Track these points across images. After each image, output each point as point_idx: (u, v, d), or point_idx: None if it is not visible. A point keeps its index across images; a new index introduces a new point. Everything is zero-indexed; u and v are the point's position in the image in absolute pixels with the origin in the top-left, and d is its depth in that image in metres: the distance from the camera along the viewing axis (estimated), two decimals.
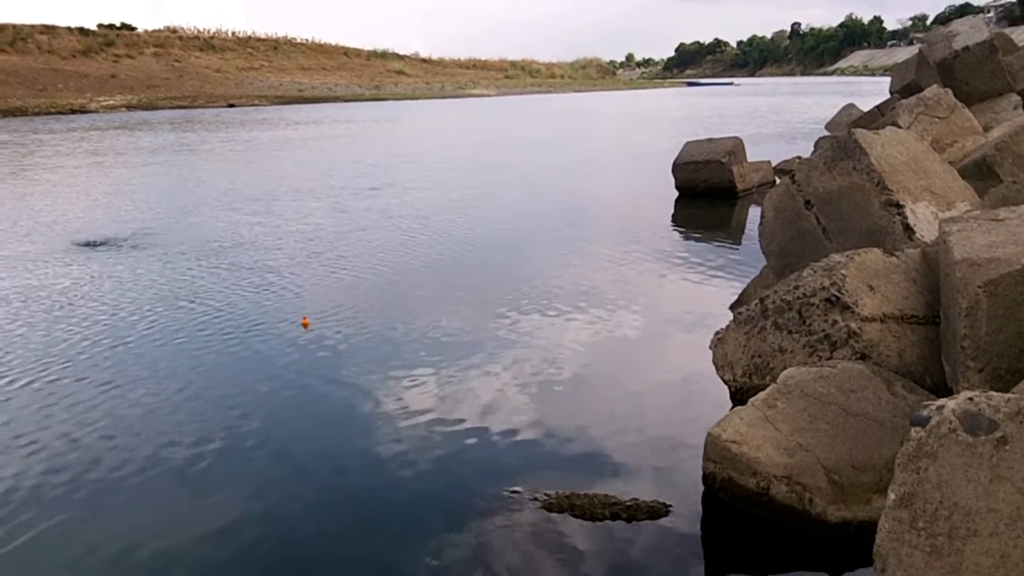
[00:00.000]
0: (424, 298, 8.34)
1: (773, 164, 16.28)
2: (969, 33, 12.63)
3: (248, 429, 5.34)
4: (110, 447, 5.10)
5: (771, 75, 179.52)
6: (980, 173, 6.93)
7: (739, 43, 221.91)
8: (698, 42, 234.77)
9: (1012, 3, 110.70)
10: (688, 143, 15.43)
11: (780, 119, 36.24)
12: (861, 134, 5.82)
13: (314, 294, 8.52)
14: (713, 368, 5.20)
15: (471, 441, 5.12)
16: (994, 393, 2.60)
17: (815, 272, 4.84)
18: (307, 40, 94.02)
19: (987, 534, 2.45)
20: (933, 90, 9.18)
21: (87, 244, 11.30)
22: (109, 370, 6.44)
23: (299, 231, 12.07)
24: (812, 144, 16.47)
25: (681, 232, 12.01)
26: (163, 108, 54.44)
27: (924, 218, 5.44)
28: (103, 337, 7.23)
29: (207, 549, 4.04)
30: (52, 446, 5.14)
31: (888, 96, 17.09)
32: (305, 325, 7.39)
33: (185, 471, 4.81)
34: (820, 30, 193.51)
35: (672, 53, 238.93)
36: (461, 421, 5.38)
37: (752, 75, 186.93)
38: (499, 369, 6.30)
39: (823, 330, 4.62)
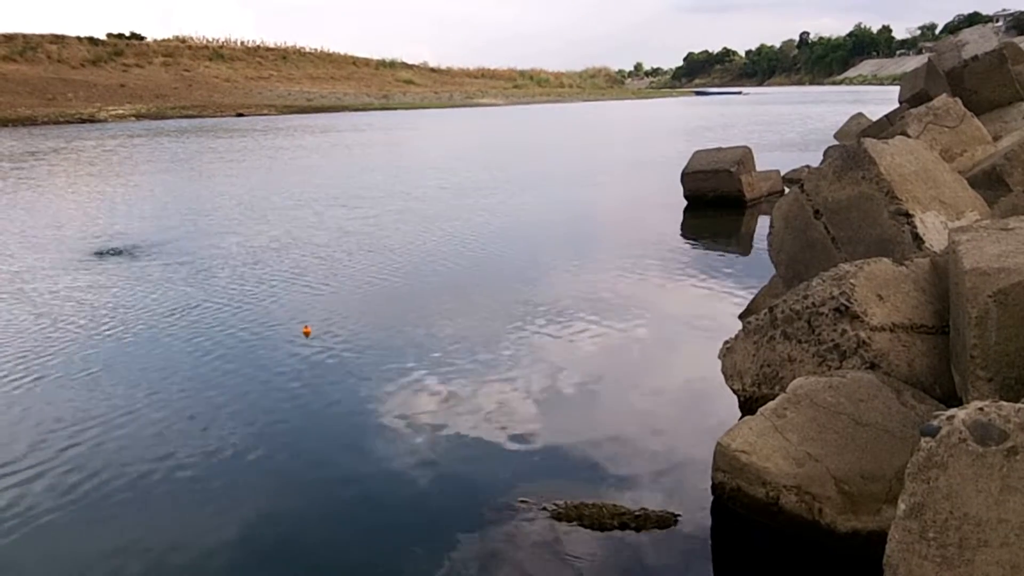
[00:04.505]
0: (433, 305, 8.35)
1: (782, 173, 16.28)
2: (978, 42, 12.62)
3: (255, 437, 5.36)
4: (116, 453, 5.12)
5: (780, 84, 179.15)
6: (989, 182, 6.92)
7: (748, 52, 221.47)
8: (707, 51, 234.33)
9: (1021, 12, 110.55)
10: (696, 152, 15.44)
11: (789, 128, 36.22)
12: (870, 143, 5.82)
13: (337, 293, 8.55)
14: (722, 377, 5.19)
15: (480, 450, 5.12)
16: (1004, 403, 2.60)
17: (824, 281, 4.83)
18: (316, 49, 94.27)
19: (997, 544, 2.45)
20: (942, 99, 9.17)
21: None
22: (113, 375, 6.47)
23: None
24: (821, 153, 16.44)
25: (690, 241, 12.01)
26: (172, 117, 54.64)
27: (933, 228, 5.43)
28: (113, 341, 7.27)
29: (211, 555, 4.05)
30: (58, 450, 5.16)
31: (897, 105, 17.06)
32: (307, 333, 7.40)
33: (192, 478, 4.83)
34: (829, 39, 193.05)
35: (680, 63, 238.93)
36: (470, 430, 5.38)
37: (761, 84, 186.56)
38: (508, 378, 6.31)
39: (832, 340, 4.61)
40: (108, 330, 7.71)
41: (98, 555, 4.11)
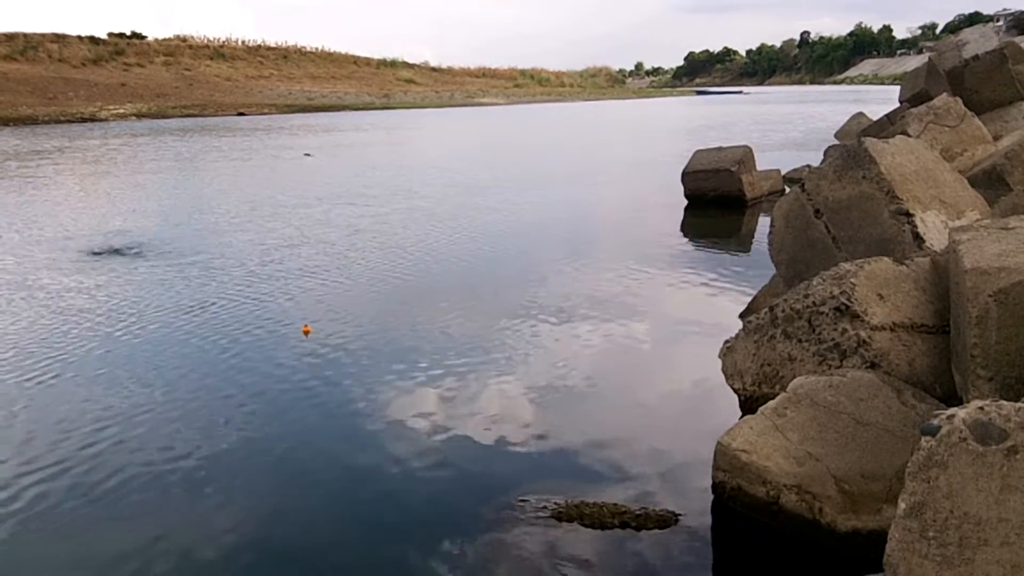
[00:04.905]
0: (433, 305, 8.34)
1: (782, 173, 16.28)
2: (979, 42, 12.61)
3: (255, 437, 5.36)
4: (117, 453, 5.13)
5: (780, 84, 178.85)
6: (990, 182, 6.91)
7: (748, 52, 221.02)
8: (707, 51, 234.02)
9: (1022, 12, 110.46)
10: (697, 152, 15.44)
11: (792, 127, 36.19)
12: (871, 143, 5.82)
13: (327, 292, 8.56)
14: (723, 377, 5.19)
15: (480, 449, 5.12)
16: (1004, 402, 2.60)
17: (825, 281, 4.83)
18: (316, 49, 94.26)
19: (998, 544, 2.45)
20: (943, 99, 9.17)
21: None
22: (113, 374, 6.47)
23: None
24: (821, 153, 16.44)
25: (690, 241, 12.02)
26: (173, 117, 54.63)
27: (934, 227, 5.43)
28: (124, 339, 7.27)
29: (211, 554, 4.05)
30: (57, 451, 5.16)
31: (898, 105, 17.06)
32: (306, 332, 7.40)
33: (192, 479, 4.83)
34: (829, 39, 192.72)
35: (681, 62, 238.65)
36: (470, 429, 5.38)
37: (761, 84, 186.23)
38: (508, 378, 6.31)
39: (833, 339, 4.61)
40: (119, 328, 7.72)
41: (101, 550, 4.12)
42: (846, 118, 26.42)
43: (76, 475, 4.87)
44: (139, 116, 53.91)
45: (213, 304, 8.52)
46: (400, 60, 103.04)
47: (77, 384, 6.34)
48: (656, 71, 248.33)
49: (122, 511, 4.49)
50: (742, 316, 7.20)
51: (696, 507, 4.32)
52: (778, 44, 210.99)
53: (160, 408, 5.84)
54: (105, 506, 4.55)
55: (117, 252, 11.37)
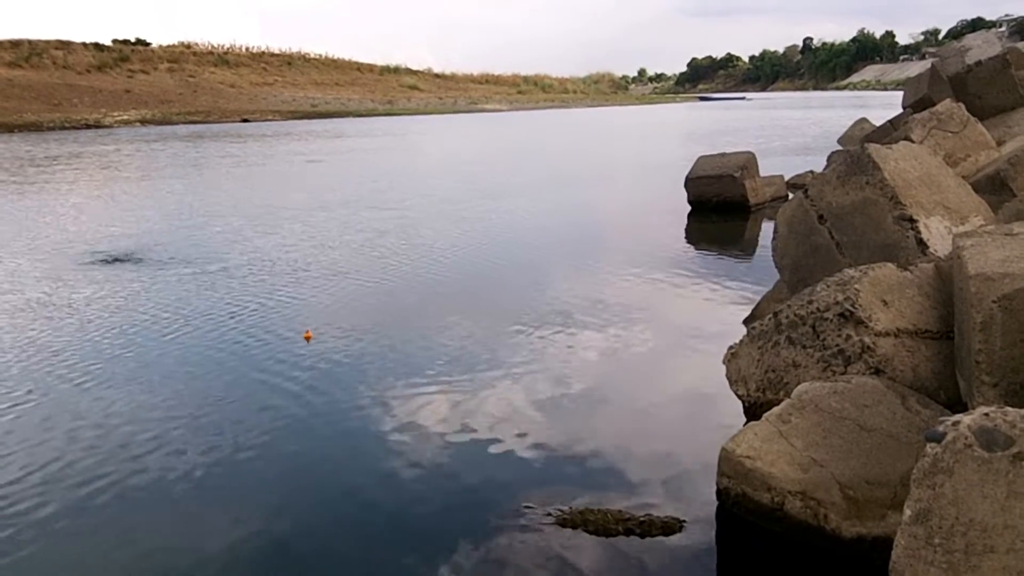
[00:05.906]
0: (435, 312, 8.35)
1: (786, 178, 16.28)
2: (982, 47, 12.63)
3: (259, 443, 5.35)
4: (115, 459, 5.13)
5: (783, 90, 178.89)
6: (993, 187, 6.91)
7: (751, 58, 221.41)
8: (710, 57, 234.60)
9: None
10: (701, 157, 15.46)
11: (792, 133, 36.19)
12: (874, 149, 5.82)
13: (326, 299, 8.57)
14: (727, 383, 5.19)
15: (484, 456, 5.12)
16: (1010, 409, 2.60)
17: (829, 287, 4.83)
18: (320, 55, 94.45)
19: (1004, 551, 2.44)
20: (946, 104, 9.16)
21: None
22: (115, 379, 6.48)
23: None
24: (825, 158, 16.45)
25: (694, 246, 12.01)
26: (177, 123, 54.69)
27: (938, 233, 5.43)
28: (140, 344, 7.29)
29: (214, 560, 4.05)
30: (57, 455, 5.17)
31: (901, 110, 17.07)
32: (308, 338, 7.41)
33: (193, 485, 4.83)
34: (832, 44, 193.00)
35: (684, 68, 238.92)
36: (473, 436, 5.38)
37: (764, 90, 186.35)
38: (511, 384, 6.30)
39: (837, 345, 4.61)
40: (145, 331, 7.77)
41: (102, 553, 4.12)
42: (849, 124, 26.48)
43: (86, 476, 4.88)
44: (143, 122, 53.98)
45: (245, 309, 8.58)
46: (403, 66, 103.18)
47: (100, 386, 6.37)
48: (659, 77, 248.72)
49: (126, 510, 4.50)
50: (746, 322, 7.20)
51: (700, 514, 4.32)
52: (781, 50, 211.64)
53: (182, 410, 5.85)
54: (112, 506, 4.55)
55: (144, 255, 11.48)
